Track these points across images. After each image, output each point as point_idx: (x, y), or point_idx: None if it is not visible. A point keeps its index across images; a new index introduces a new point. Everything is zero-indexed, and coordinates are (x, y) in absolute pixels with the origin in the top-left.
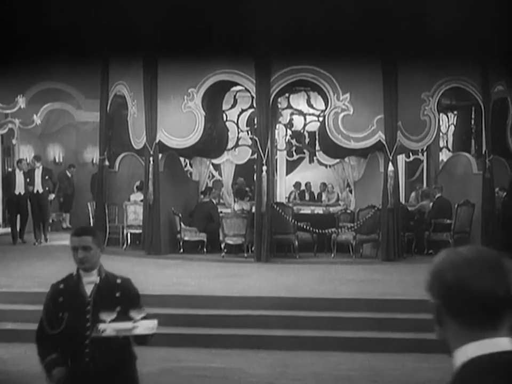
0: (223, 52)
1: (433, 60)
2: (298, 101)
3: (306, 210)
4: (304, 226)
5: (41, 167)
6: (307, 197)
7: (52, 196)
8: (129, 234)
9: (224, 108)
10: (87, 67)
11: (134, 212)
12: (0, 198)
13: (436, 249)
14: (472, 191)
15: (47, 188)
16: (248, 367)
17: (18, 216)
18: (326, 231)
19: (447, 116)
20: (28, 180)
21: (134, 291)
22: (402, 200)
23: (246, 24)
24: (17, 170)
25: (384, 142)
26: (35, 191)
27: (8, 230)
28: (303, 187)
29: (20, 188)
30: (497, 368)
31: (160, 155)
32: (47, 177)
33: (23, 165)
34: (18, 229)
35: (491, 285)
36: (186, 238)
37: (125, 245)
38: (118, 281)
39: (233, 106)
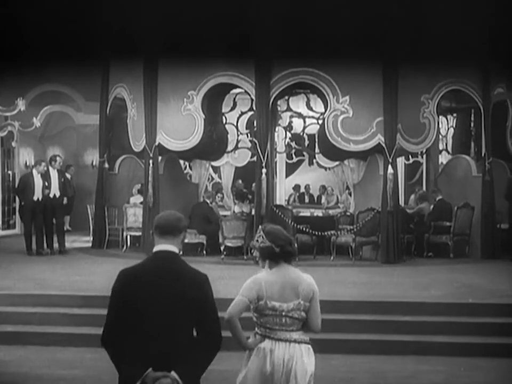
0: (222, 54)
1: (433, 62)
2: (298, 104)
3: (305, 212)
4: (304, 229)
5: (57, 169)
6: (306, 200)
7: (65, 199)
8: (128, 237)
9: (223, 110)
10: (87, 70)
11: (134, 215)
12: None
13: (435, 251)
14: (472, 193)
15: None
16: None
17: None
18: (326, 233)
19: (447, 119)
20: (46, 183)
21: None
22: (401, 202)
23: (246, 27)
24: (35, 173)
25: (384, 145)
26: (51, 195)
27: (8, 232)
28: (302, 189)
29: (38, 193)
30: (154, 255)
31: (159, 158)
32: (63, 179)
33: (42, 167)
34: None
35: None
36: (185, 240)
37: (125, 247)
38: None
39: (232, 108)
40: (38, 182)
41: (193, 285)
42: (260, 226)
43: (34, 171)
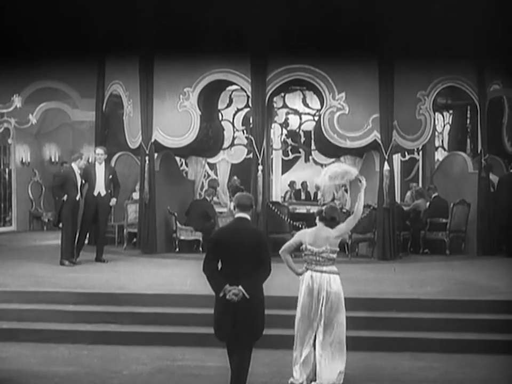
0: (218, 51)
1: (429, 59)
2: (294, 100)
3: (302, 209)
4: (300, 226)
5: (103, 163)
6: (303, 196)
7: (114, 201)
8: (127, 234)
9: (219, 107)
10: (83, 66)
11: (135, 211)
12: None
13: (431, 248)
14: (468, 190)
15: (109, 191)
16: None
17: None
18: None
19: (443, 115)
20: (83, 180)
21: None
22: (397, 199)
23: (242, 23)
24: (75, 168)
25: (380, 141)
26: (95, 193)
27: (4, 229)
28: (298, 186)
29: (75, 190)
30: (236, 219)
31: (155, 154)
32: (111, 176)
33: (82, 162)
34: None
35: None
36: (182, 237)
37: (125, 244)
38: None
39: (228, 105)
40: (79, 178)
41: (257, 236)
42: None
43: (74, 166)
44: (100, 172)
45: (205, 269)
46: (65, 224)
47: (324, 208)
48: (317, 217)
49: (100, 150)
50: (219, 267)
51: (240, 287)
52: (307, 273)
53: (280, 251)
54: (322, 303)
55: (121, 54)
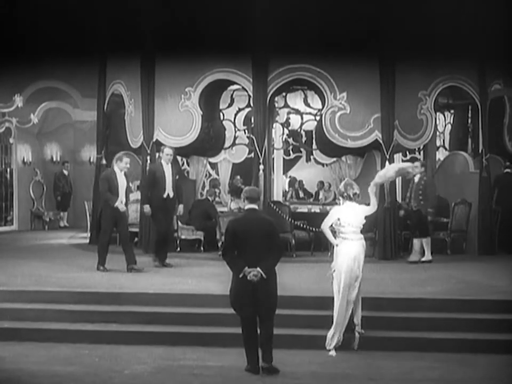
0: (220, 50)
1: (430, 58)
2: (295, 100)
3: (303, 209)
4: (301, 225)
5: (170, 163)
6: (301, 195)
7: (181, 208)
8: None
9: (221, 106)
10: (84, 66)
11: (136, 211)
12: None
13: (432, 248)
14: (469, 190)
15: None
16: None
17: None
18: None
19: (444, 115)
20: (148, 182)
21: None
22: (399, 198)
23: (243, 23)
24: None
25: (381, 141)
26: (165, 196)
27: (6, 228)
28: (297, 185)
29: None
30: (247, 211)
31: (157, 154)
32: (177, 176)
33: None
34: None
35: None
36: (183, 237)
37: None
38: None
39: (230, 105)
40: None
41: (268, 224)
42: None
43: (115, 168)
44: (169, 172)
45: (225, 255)
46: (103, 230)
47: (342, 188)
48: (341, 198)
49: (169, 150)
50: (235, 252)
51: (258, 268)
52: (345, 241)
53: (321, 226)
54: (358, 264)
55: (123, 54)
